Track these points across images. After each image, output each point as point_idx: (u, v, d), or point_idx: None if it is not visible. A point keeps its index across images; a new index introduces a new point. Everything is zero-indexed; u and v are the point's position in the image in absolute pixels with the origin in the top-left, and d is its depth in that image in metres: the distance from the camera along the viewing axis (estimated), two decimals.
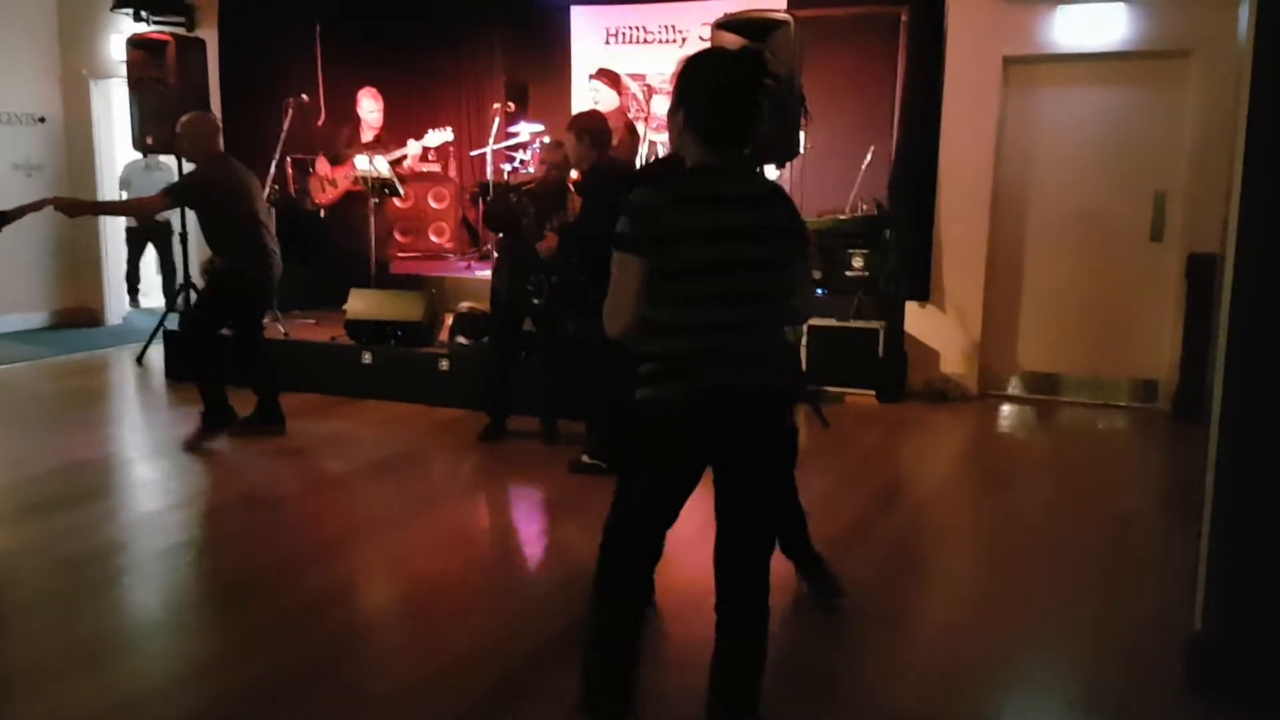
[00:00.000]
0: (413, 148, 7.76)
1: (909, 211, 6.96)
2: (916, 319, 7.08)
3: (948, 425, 6.54)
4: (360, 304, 6.94)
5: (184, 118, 5.77)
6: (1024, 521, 4.79)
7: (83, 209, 6.01)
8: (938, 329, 7.10)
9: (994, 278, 7.06)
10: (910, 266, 6.96)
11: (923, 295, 7.06)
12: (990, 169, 6.93)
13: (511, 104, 8.62)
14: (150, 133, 7.89)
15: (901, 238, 6.98)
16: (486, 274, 6.83)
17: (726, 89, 2.44)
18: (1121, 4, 6.51)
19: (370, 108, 7.90)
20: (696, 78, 2.48)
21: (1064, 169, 6.93)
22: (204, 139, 5.73)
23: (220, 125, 6.00)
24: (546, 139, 6.99)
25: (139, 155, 8.25)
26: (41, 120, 9.58)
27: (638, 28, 8.50)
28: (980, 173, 6.93)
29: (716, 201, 2.45)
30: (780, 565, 4.23)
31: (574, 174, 5.66)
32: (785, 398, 2.60)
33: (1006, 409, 6.90)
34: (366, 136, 7.86)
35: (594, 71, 7.35)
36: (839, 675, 3.30)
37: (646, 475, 2.55)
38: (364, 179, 7.56)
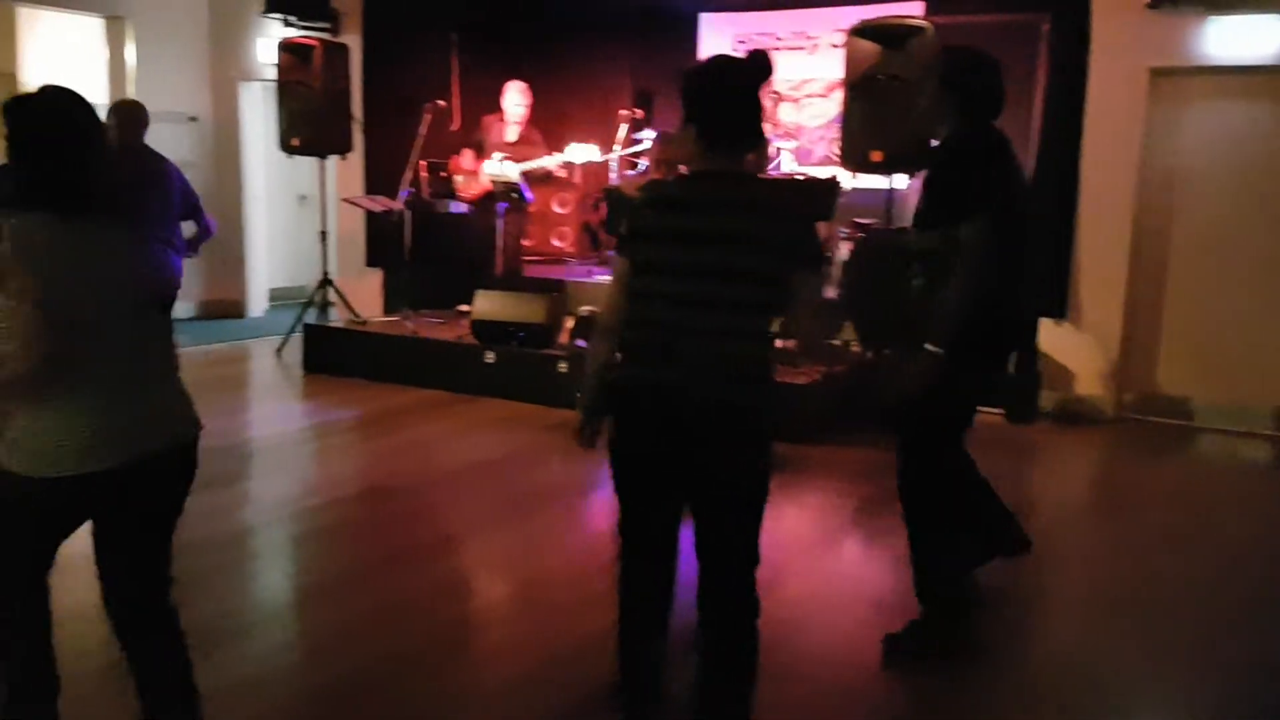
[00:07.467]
0: (552, 160, 7.82)
1: (1048, 225, 6.74)
2: (1051, 336, 6.83)
3: (1079, 449, 6.30)
4: (486, 305, 7.06)
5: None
6: (1152, 555, 4.57)
7: None
8: (1074, 348, 6.84)
9: (1134, 297, 6.78)
10: (1047, 281, 6.73)
11: (1059, 312, 6.82)
12: (1133, 184, 6.66)
13: (639, 110, 8.66)
14: (296, 134, 8.22)
15: (1039, 252, 6.75)
16: (607, 278, 6.83)
17: (717, 93, 2.45)
18: (1277, 14, 6.17)
19: (516, 100, 7.89)
20: (691, 84, 2.49)
21: (1212, 186, 6.60)
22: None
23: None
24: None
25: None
26: (193, 119, 10.05)
27: (768, 34, 8.44)
28: (1123, 188, 6.66)
29: (689, 206, 2.48)
30: (868, 589, 4.13)
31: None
32: (735, 414, 2.44)
33: (1143, 434, 6.61)
34: (510, 134, 7.95)
35: None
36: (941, 706, 3.22)
37: (615, 462, 2.59)
38: (494, 181, 7.69)
